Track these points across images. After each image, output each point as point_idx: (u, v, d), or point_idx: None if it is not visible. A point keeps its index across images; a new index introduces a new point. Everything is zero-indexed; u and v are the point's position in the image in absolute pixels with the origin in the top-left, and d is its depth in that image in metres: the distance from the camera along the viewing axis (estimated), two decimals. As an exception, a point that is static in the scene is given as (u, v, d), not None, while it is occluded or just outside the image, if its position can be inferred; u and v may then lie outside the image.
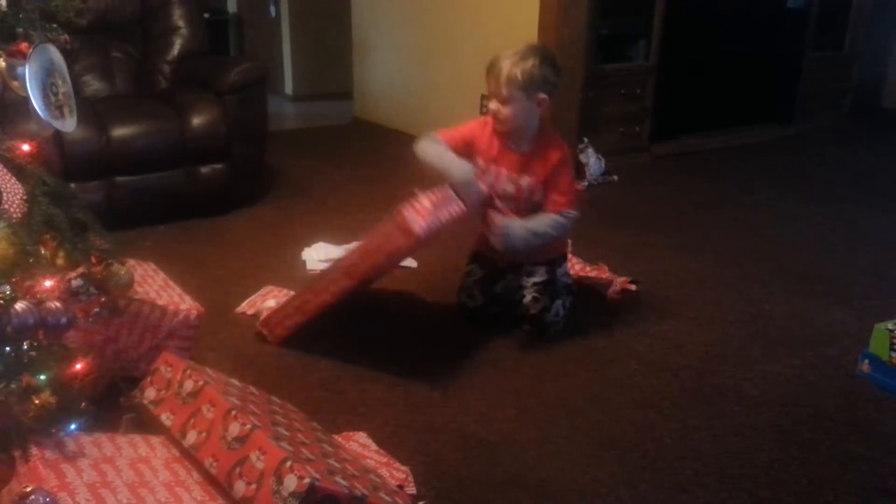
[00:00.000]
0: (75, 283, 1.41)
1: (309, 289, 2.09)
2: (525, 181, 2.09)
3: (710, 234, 3.12)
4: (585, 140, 3.86)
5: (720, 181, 3.94)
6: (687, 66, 4.35)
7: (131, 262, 1.69)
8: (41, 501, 1.12)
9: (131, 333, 1.77)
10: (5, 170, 1.33)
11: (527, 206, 2.11)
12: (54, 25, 1.34)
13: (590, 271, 2.59)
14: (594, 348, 2.14)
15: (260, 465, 1.24)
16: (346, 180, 3.75)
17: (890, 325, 1.97)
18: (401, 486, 1.53)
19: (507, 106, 2.02)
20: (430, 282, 2.55)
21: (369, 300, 2.40)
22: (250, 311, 2.29)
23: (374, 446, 1.67)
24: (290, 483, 1.19)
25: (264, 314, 2.18)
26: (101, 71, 3.43)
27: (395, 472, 1.57)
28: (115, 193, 2.90)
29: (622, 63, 4.11)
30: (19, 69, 1.26)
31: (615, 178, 3.87)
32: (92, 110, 2.92)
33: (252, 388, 1.61)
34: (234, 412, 1.34)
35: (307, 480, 1.18)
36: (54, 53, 1.33)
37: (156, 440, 1.42)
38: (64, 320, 1.24)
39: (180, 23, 3.59)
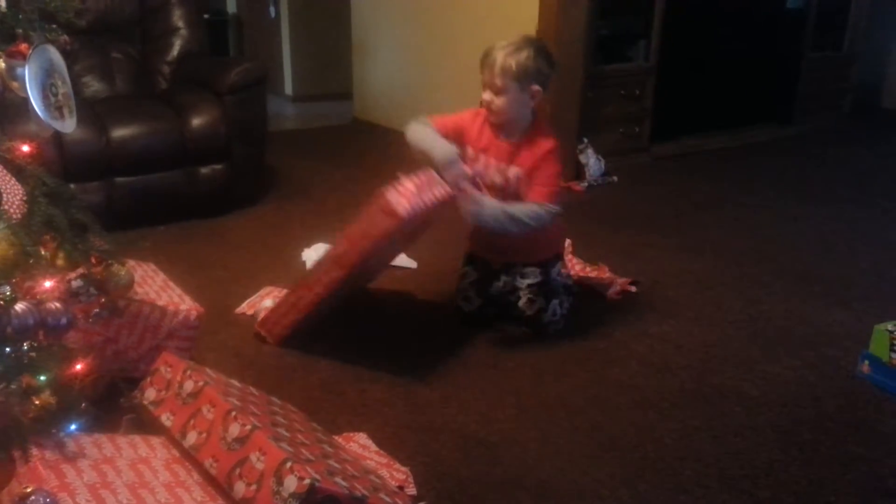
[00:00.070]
0: (75, 283, 1.41)
1: (302, 284, 2.08)
2: (513, 172, 2.07)
3: (710, 234, 3.12)
4: (585, 140, 3.86)
5: (720, 181, 3.94)
6: (687, 66, 4.35)
7: (131, 262, 1.69)
8: (41, 502, 1.12)
9: (131, 334, 1.77)
10: (5, 170, 1.33)
11: (514, 198, 2.09)
12: (54, 26, 1.34)
13: (590, 272, 2.59)
14: (594, 349, 2.14)
15: (260, 466, 1.24)
16: (346, 181, 3.75)
17: (890, 326, 1.97)
18: (401, 487, 1.53)
19: (501, 96, 2.01)
20: (430, 282, 2.55)
21: (369, 301, 2.41)
22: (250, 312, 2.29)
23: (374, 447, 1.67)
24: (291, 484, 1.19)
25: (261, 315, 2.18)
26: (101, 72, 3.43)
27: (395, 473, 1.57)
28: (115, 194, 2.90)
29: (622, 63, 4.11)
30: (19, 70, 1.26)
31: (615, 178, 3.87)
32: (92, 111, 2.92)
33: (252, 389, 1.61)
34: (234, 413, 1.34)
35: (307, 481, 1.18)
36: (54, 54, 1.33)
37: (156, 441, 1.42)
38: (64, 321, 1.24)
39: (180, 23, 3.59)
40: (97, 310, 1.48)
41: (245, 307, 2.33)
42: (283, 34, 6.11)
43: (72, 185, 2.46)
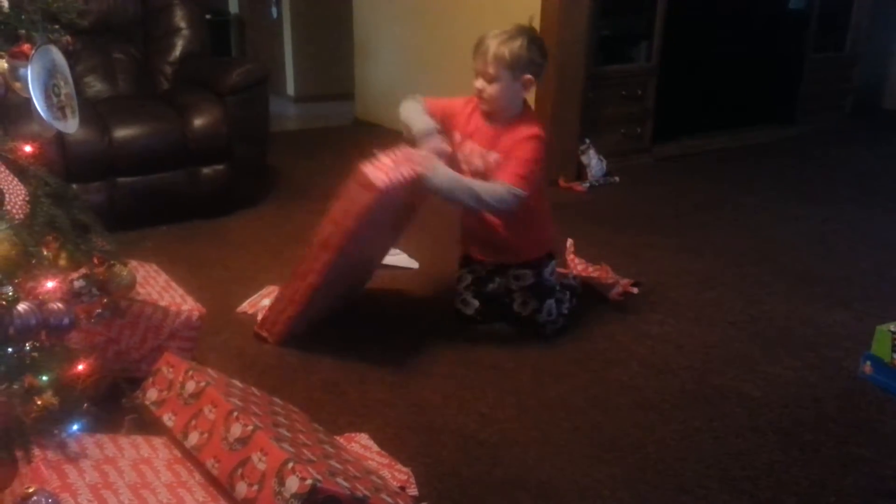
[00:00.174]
0: (77, 284, 1.41)
1: (295, 276, 2.07)
2: (493, 156, 2.05)
3: (711, 234, 3.12)
4: (587, 141, 3.87)
5: (721, 182, 3.94)
6: (688, 67, 4.35)
7: (133, 262, 1.69)
8: (43, 502, 1.12)
9: (133, 334, 1.78)
10: (8, 171, 1.33)
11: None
12: (56, 27, 1.34)
13: (592, 271, 2.59)
14: (595, 349, 2.14)
15: (262, 467, 1.24)
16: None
17: (892, 327, 1.97)
18: (402, 488, 1.53)
19: (493, 85, 2.01)
20: (431, 283, 2.55)
21: (370, 301, 2.41)
22: (251, 311, 2.30)
23: (375, 447, 1.67)
24: (292, 484, 1.19)
25: (261, 315, 2.18)
26: (103, 72, 3.43)
27: (396, 474, 1.57)
28: (117, 194, 2.91)
29: (623, 64, 4.11)
30: (21, 70, 1.26)
31: (616, 179, 3.87)
32: (94, 111, 2.92)
33: (254, 389, 1.61)
34: (235, 413, 1.34)
35: (309, 482, 1.18)
36: (56, 55, 1.34)
37: (158, 441, 1.42)
38: (66, 321, 1.24)
39: (182, 24, 3.59)
40: (99, 310, 1.49)
41: (246, 306, 2.33)
42: (285, 35, 6.11)
43: (74, 186, 2.48)
